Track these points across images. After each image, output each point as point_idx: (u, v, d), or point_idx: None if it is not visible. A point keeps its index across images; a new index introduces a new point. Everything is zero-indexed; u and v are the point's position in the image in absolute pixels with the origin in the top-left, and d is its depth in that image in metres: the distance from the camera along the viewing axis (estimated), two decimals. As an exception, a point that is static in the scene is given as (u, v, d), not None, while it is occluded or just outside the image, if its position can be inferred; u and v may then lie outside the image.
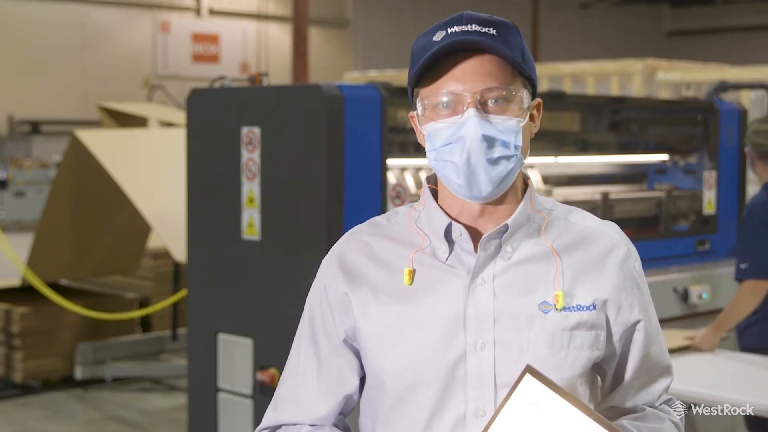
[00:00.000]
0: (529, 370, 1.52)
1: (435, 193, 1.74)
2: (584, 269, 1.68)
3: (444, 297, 1.65)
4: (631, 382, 1.75)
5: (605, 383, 1.78)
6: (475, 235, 1.67)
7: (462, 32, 1.62)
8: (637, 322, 1.72)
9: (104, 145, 6.80)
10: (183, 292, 6.61)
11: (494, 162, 1.61)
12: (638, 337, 1.73)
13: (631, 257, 1.74)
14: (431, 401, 1.64)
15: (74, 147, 6.89)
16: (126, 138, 7.75)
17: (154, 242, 8.20)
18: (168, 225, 6.19)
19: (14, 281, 7.52)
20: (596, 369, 1.75)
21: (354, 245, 1.74)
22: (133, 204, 6.52)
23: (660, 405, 1.79)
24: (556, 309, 1.65)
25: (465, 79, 1.61)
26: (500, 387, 1.62)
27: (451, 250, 1.67)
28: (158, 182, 6.55)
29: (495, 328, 1.63)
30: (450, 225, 1.67)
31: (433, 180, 1.76)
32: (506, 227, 1.66)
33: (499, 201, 1.67)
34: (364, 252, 1.72)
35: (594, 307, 1.67)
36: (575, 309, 1.66)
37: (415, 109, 1.70)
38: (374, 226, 1.76)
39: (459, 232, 1.67)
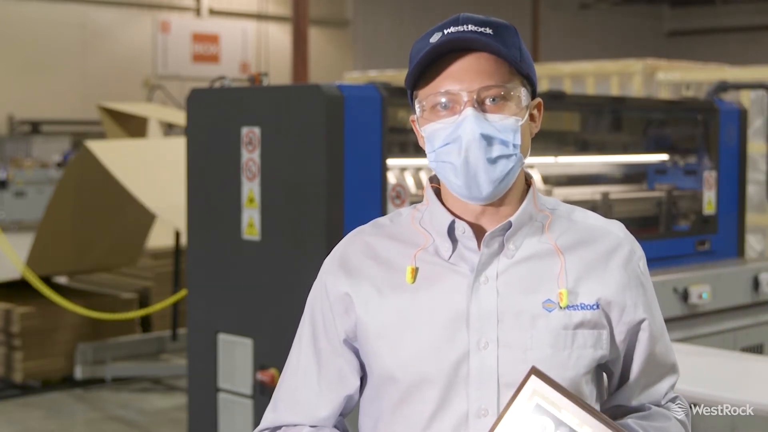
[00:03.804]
0: (535, 371, 1.52)
1: (438, 193, 1.73)
2: (588, 268, 1.68)
3: (447, 295, 1.65)
4: (636, 380, 1.75)
5: (611, 383, 1.78)
6: (478, 233, 1.67)
7: (458, 32, 1.62)
8: (642, 321, 1.72)
9: (115, 155, 6.87)
10: (183, 292, 6.61)
11: (493, 161, 1.61)
12: (643, 336, 1.73)
13: (635, 255, 1.73)
14: (434, 400, 1.64)
15: (83, 156, 6.97)
16: (136, 148, 7.84)
17: (154, 242, 8.21)
18: (179, 215, 6.23)
19: (14, 279, 7.53)
20: (603, 369, 1.75)
21: (356, 245, 1.74)
22: (133, 206, 6.57)
23: (666, 403, 1.79)
24: (560, 307, 1.64)
25: (462, 78, 1.61)
26: (503, 387, 1.61)
27: (454, 248, 1.67)
28: (169, 187, 6.57)
29: (498, 327, 1.63)
30: (453, 222, 1.67)
31: (436, 179, 1.75)
32: (509, 224, 1.66)
33: (501, 201, 1.67)
34: (367, 252, 1.72)
35: (597, 306, 1.67)
36: (579, 308, 1.65)
37: (414, 112, 1.70)
38: (377, 227, 1.76)
39: (462, 230, 1.66)
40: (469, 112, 1.60)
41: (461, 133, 1.60)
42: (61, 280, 8.22)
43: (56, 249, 7.31)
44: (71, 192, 7.22)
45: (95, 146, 6.93)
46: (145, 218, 7.53)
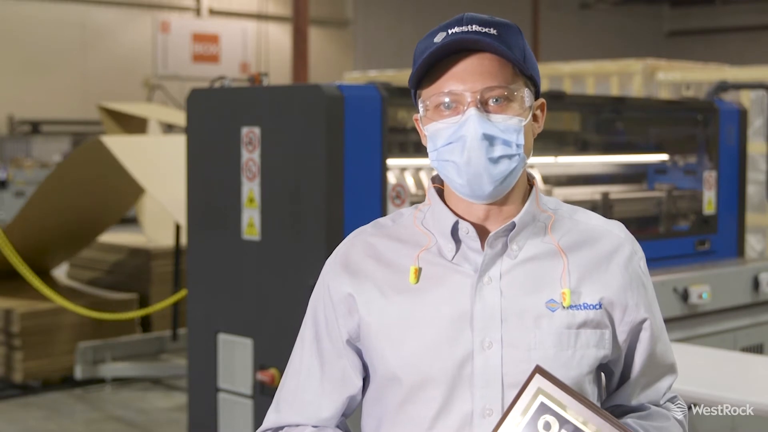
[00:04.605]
0: (539, 370, 1.53)
1: (440, 193, 1.74)
2: (590, 268, 1.69)
3: (450, 295, 1.66)
4: (636, 380, 1.76)
5: (611, 382, 1.78)
6: (481, 233, 1.67)
7: (462, 32, 1.62)
8: (643, 320, 1.73)
9: (126, 150, 6.97)
10: (183, 292, 6.61)
11: (495, 161, 1.61)
12: (644, 336, 1.74)
13: (636, 256, 1.74)
14: (438, 400, 1.64)
15: (90, 147, 7.06)
16: (144, 144, 7.96)
17: (153, 243, 8.22)
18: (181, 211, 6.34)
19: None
20: (603, 368, 1.75)
21: (358, 246, 1.74)
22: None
23: (664, 403, 1.79)
24: (563, 307, 1.65)
25: (465, 78, 1.62)
26: (507, 386, 1.62)
27: (457, 249, 1.68)
28: (173, 183, 6.65)
29: (502, 327, 1.64)
30: (457, 223, 1.67)
31: (438, 180, 1.76)
32: (513, 225, 1.66)
33: (503, 201, 1.68)
34: (369, 252, 1.72)
35: (600, 306, 1.68)
36: (582, 307, 1.66)
37: (418, 111, 1.71)
38: (379, 227, 1.76)
39: (466, 230, 1.67)
40: (472, 112, 1.61)
41: (464, 132, 1.61)
42: (61, 279, 8.23)
43: (37, 222, 7.48)
44: (68, 175, 7.38)
45: (109, 141, 7.05)
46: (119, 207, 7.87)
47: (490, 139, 1.61)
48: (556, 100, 4.70)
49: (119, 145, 7.05)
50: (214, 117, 4.44)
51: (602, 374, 1.78)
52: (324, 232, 3.89)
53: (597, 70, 8.07)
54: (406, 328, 1.66)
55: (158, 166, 7.00)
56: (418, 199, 4.17)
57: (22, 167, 16.99)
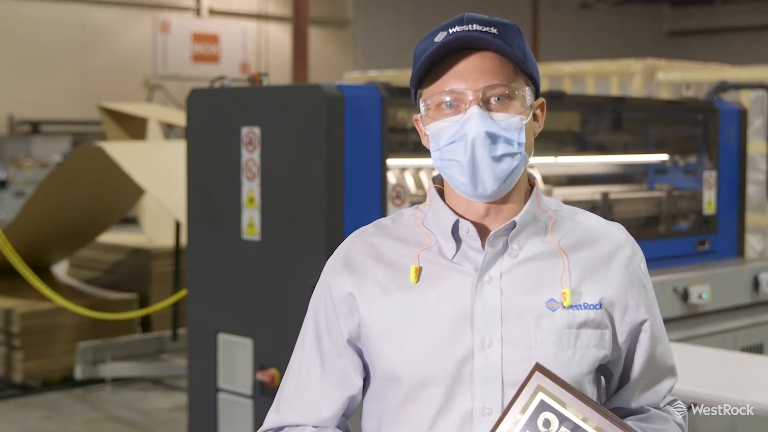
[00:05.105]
0: (539, 367, 1.53)
1: (441, 193, 1.74)
2: (591, 268, 1.69)
3: (451, 294, 1.66)
4: (636, 382, 1.76)
5: (611, 384, 1.78)
6: (481, 232, 1.68)
7: (463, 32, 1.62)
8: (644, 321, 1.73)
9: (126, 154, 6.99)
10: (183, 292, 6.62)
11: (498, 159, 1.62)
12: (644, 337, 1.74)
13: (636, 257, 1.74)
14: (438, 399, 1.64)
15: (88, 150, 7.09)
16: (143, 149, 7.98)
17: (153, 243, 8.22)
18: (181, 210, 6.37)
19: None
20: (602, 370, 1.75)
21: (359, 246, 1.74)
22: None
23: (664, 406, 1.79)
24: (564, 307, 1.65)
25: (467, 77, 1.62)
26: (507, 385, 1.62)
27: (458, 248, 1.68)
28: (173, 184, 6.67)
29: (502, 326, 1.64)
30: (457, 222, 1.67)
31: (438, 180, 1.76)
32: (514, 224, 1.66)
33: (504, 200, 1.68)
34: (370, 252, 1.72)
35: (600, 306, 1.68)
36: (582, 307, 1.66)
37: (418, 111, 1.71)
38: (380, 228, 1.77)
39: (467, 229, 1.67)
40: (474, 110, 1.61)
41: (467, 131, 1.61)
42: (61, 277, 8.23)
43: (35, 223, 7.50)
44: (67, 176, 7.41)
45: (108, 146, 7.08)
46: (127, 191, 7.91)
47: (492, 137, 1.61)
48: (556, 100, 4.70)
49: (118, 150, 7.07)
50: (214, 117, 4.44)
51: (602, 377, 1.78)
52: (324, 232, 3.89)
53: (597, 70, 8.06)
54: (407, 328, 1.66)
55: (158, 168, 7.01)
56: (418, 199, 4.17)
57: (22, 167, 16.97)
